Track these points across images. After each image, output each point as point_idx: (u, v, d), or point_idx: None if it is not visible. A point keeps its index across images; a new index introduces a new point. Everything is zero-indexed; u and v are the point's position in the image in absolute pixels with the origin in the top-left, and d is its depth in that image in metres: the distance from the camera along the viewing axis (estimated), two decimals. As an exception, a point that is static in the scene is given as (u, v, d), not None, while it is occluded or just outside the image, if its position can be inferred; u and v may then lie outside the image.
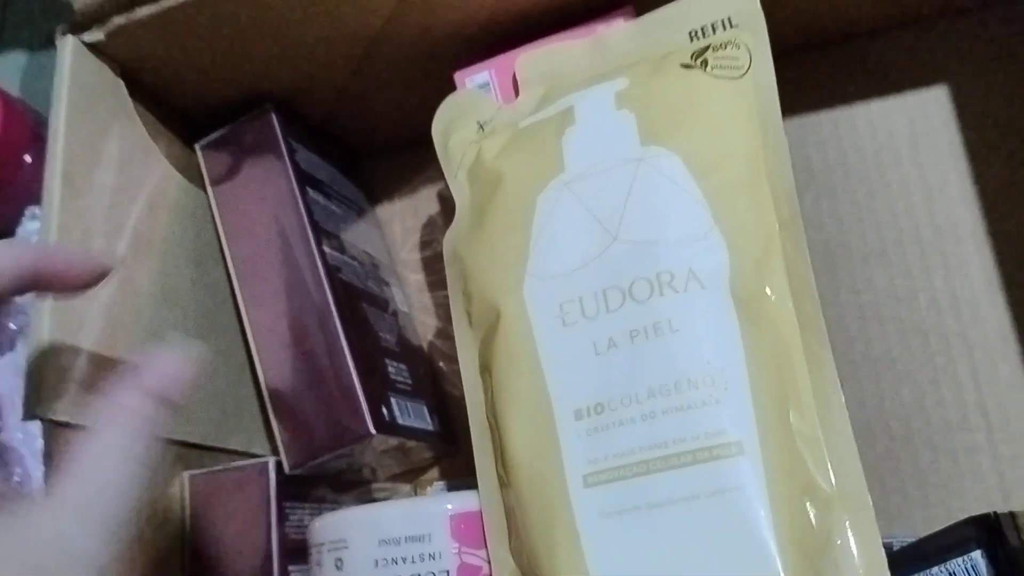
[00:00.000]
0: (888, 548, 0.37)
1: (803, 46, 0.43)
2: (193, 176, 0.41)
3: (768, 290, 0.30)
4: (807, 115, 0.43)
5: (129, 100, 0.38)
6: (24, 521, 0.24)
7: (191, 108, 0.42)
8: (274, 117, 0.40)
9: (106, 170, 0.36)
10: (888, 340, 0.40)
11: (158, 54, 0.37)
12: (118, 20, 0.35)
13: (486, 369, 0.33)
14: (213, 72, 0.39)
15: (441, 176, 0.38)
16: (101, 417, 0.26)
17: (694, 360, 0.29)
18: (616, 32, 0.36)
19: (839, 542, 0.28)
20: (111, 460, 0.25)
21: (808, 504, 0.28)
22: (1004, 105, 0.41)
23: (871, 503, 0.28)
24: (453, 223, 0.36)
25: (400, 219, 0.49)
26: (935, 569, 0.34)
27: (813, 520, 0.28)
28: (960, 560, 0.33)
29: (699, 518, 0.27)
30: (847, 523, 0.28)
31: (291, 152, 0.41)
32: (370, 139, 0.49)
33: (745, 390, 0.28)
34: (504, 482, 0.32)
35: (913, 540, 0.36)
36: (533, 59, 0.37)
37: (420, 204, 0.49)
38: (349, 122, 0.46)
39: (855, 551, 0.28)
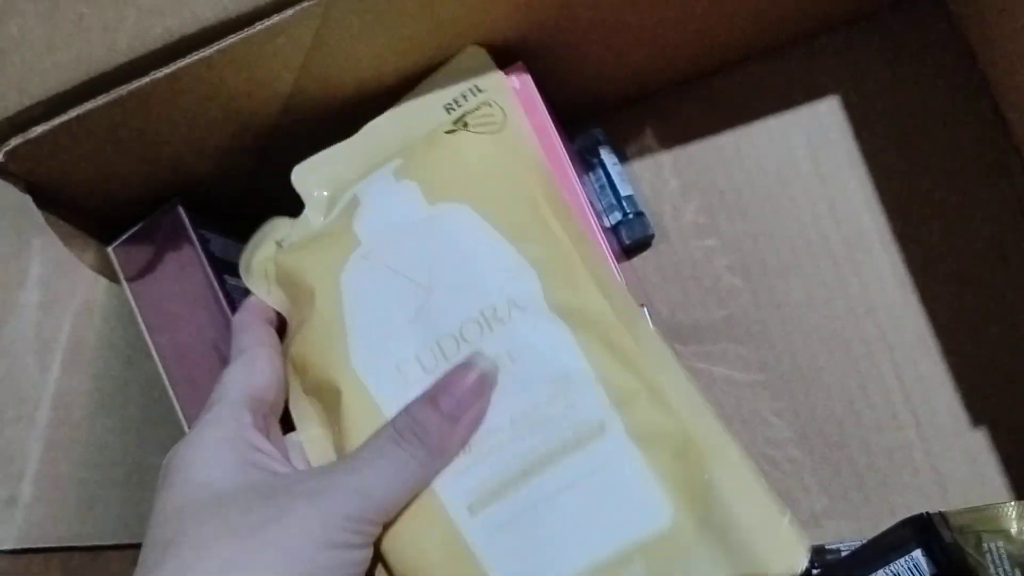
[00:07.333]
0: (836, 554, 0.38)
1: (700, 74, 0.44)
2: (115, 275, 0.41)
3: (581, 293, 0.33)
4: (711, 138, 0.45)
5: (40, 213, 0.38)
6: None
7: (103, 210, 0.42)
8: (182, 211, 0.40)
9: (30, 289, 0.36)
10: (813, 350, 0.42)
11: (61, 166, 0.37)
12: (15, 140, 0.35)
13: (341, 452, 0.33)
14: (118, 175, 0.39)
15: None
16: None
17: (542, 380, 0.31)
18: (378, 124, 0.38)
19: (719, 479, 0.29)
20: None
21: (678, 455, 0.30)
22: (893, 110, 0.42)
23: (731, 438, 0.30)
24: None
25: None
26: (880, 572, 0.35)
27: (688, 466, 0.30)
28: (903, 560, 0.35)
29: (587, 497, 0.29)
30: (716, 461, 0.30)
31: (203, 242, 0.41)
32: (287, 210, 0.49)
33: (594, 383, 0.30)
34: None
35: (860, 542, 0.37)
36: (307, 170, 0.38)
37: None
38: (262, 199, 0.46)
39: (733, 483, 0.29)
